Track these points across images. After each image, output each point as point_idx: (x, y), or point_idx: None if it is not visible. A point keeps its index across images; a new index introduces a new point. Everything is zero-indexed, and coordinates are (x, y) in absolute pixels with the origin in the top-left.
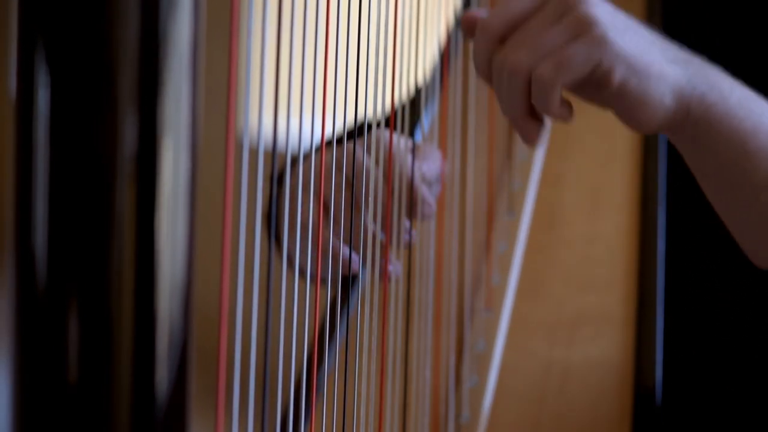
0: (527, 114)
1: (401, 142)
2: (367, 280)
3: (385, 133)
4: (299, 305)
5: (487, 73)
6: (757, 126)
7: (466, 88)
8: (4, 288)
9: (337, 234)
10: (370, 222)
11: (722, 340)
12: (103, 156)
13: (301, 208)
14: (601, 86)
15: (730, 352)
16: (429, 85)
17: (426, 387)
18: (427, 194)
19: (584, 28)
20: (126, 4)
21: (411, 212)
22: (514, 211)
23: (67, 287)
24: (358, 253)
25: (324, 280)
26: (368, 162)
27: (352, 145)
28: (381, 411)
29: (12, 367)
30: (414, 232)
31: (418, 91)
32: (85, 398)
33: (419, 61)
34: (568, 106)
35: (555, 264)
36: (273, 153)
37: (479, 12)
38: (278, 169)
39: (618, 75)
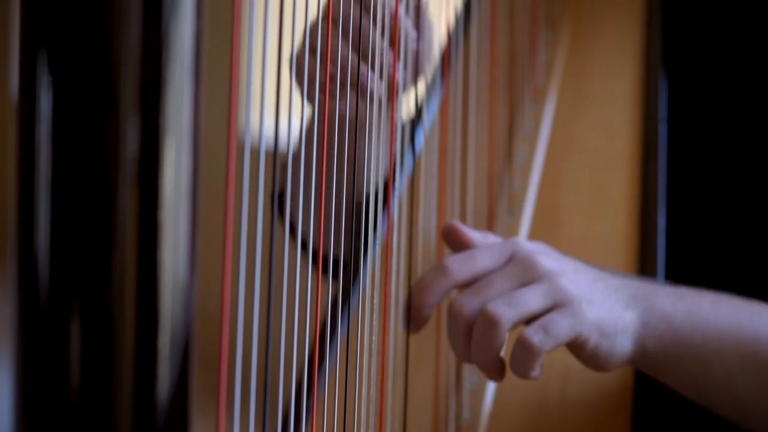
0: (499, 360)
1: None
2: (367, 280)
3: None
4: (300, 305)
5: (427, 308)
6: (706, 334)
7: (466, 88)
8: (7, 289)
9: (345, 48)
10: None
11: None
12: (106, 157)
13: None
14: (576, 350)
15: None
16: (429, 85)
17: (426, 387)
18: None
19: (561, 300)
20: (128, 5)
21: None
22: (514, 211)
23: (70, 288)
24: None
25: (326, 256)
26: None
27: None
28: (381, 411)
29: (14, 368)
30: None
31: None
32: (87, 398)
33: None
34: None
35: None
36: (274, 153)
37: (461, 229)
38: (281, 162)
39: (592, 343)
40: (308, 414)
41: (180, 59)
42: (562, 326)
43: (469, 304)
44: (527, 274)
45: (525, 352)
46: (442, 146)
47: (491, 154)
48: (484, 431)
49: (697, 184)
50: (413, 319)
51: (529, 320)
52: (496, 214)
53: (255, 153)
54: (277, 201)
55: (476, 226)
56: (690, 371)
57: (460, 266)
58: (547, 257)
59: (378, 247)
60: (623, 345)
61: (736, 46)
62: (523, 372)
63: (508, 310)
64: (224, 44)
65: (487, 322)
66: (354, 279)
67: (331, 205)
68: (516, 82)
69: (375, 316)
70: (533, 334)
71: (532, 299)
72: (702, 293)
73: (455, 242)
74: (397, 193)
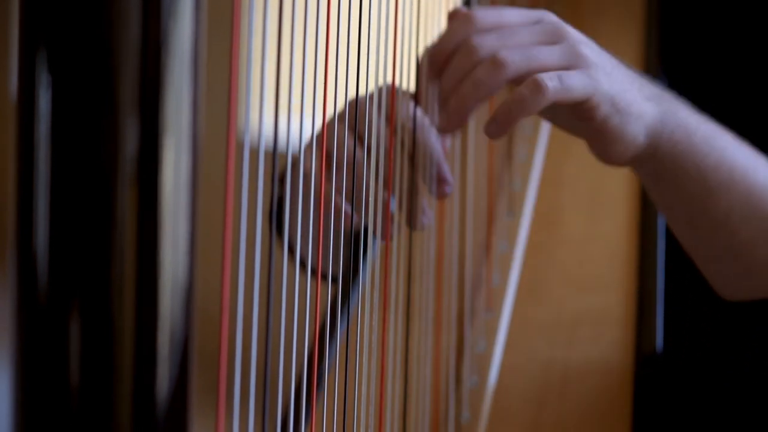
0: (471, 106)
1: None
2: (367, 280)
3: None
4: (300, 304)
5: (446, 55)
6: (719, 162)
7: None
8: (6, 289)
9: (339, 186)
10: (373, 182)
11: (722, 339)
12: (105, 157)
13: (303, 164)
14: (584, 119)
15: (730, 351)
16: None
17: (426, 387)
18: (447, 172)
19: (579, 62)
20: (127, 5)
21: (408, 220)
22: (514, 211)
23: (69, 288)
24: (360, 211)
25: (324, 273)
26: (375, 117)
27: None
28: (381, 411)
29: (14, 367)
30: (429, 214)
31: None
32: (86, 397)
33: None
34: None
35: (555, 264)
36: (274, 153)
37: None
38: (280, 168)
39: (603, 111)
40: (308, 413)
41: (179, 59)
42: (575, 81)
43: (486, 43)
44: (552, 35)
45: (532, 93)
46: (442, 145)
47: (491, 154)
48: (483, 431)
49: None
50: (431, 63)
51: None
52: (496, 214)
53: (254, 152)
54: (275, 218)
55: (476, 226)
56: (692, 194)
57: (485, 15)
58: (573, 29)
59: (378, 247)
60: (635, 130)
61: (736, 45)
62: (508, 117)
63: (519, 58)
64: (224, 44)
65: (494, 62)
66: (353, 279)
67: (329, 226)
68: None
69: (375, 315)
70: (547, 78)
71: (549, 56)
72: (726, 131)
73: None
74: (396, 193)
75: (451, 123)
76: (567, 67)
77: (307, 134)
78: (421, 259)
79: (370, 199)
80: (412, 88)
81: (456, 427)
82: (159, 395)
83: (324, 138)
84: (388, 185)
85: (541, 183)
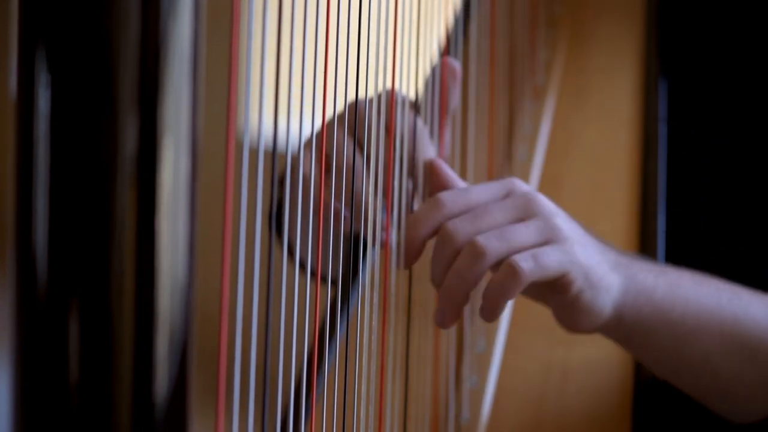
0: (466, 293)
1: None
2: (367, 280)
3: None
4: (300, 305)
5: (422, 242)
6: (685, 311)
7: (466, 88)
8: (5, 288)
9: (338, 190)
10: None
11: None
12: (104, 156)
13: (302, 168)
14: (558, 292)
15: None
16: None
17: (426, 387)
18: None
19: (555, 236)
20: (127, 4)
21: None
22: None
23: (68, 287)
24: (360, 215)
25: (324, 275)
26: (374, 121)
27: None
28: (381, 411)
29: (13, 367)
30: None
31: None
32: (86, 398)
33: (420, 61)
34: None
35: None
36: (273, 153)
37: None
38: (280, 170)
39: (577, 287)
40: (307, 414)
41: (178, 58)
42: (552, 258)
43: (461, 229)
44: (524, 209)
45: (509, 278)
46: (442, 145)
47: (491, 154)
48: (483, 431)
49: (697, 183)
50: (406, 253)
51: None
52: None
53: (254, 152)
54: (275, 220)
55: None
56: (666, 347)
57: (454, 198)
58: (543, 198)
59: (378, 247)
60: (603, 303)
61: (736, 45)
62: (494, 304)
63: (497, 243)
64: (223, 44)
65: (473, 251)
66: (353, 280)
67: (329, 228)
68: (515, 81)
69: (374, 315)
70: (522, 260)
71: (525, 234)
72: (683, 272)
73: (435, 179)
74: (397, 193)
75: (449, 318)
76: (544, 243)
77: (306, 135)
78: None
79: (369, 203)
80: (411, 94)
81: (456, 427)
82: (158, 395)
83: (323, 140)
84: (387, 191)
85: (541, 183)
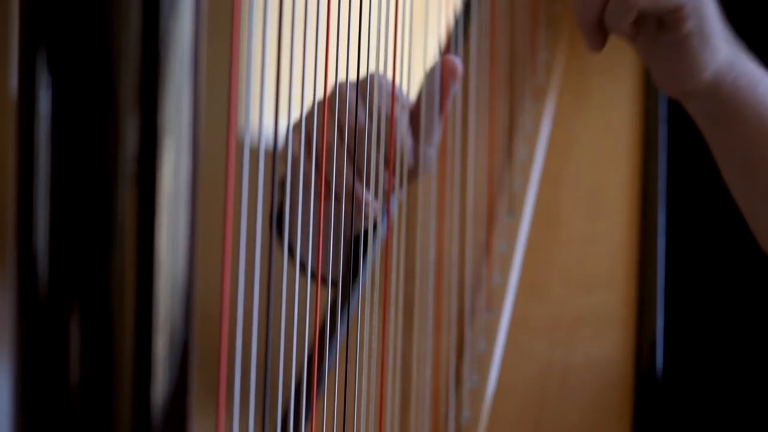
0: (598, 22)
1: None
2: (367, 280)
3: (386, 79)
4: (300, 305)
5: None
6: None
7: (467, 88)
8: (6, 288)
9: (337, 180)
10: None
11: (722, 339)
12: (105, 157)
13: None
14: (669, 28)
15: (730, 351)
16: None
17: (426, 387)
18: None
19: None
20: (127, 5)
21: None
22: (514, 211)
23: (69, 288)
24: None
25: (324, 275)
26: (363, 110)
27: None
28: (381, 411)
29: (13, 367)
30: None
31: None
32: (86, 398)
33: (420, 61)
34: (635, 26)
35: (555, 264)
36: (274, 154)
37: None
38: (280, 173)
39: (689, 27)
40: (308, 413)
41: (179, 59)
42: None
43: None
44: None
45: (624, 3)
46: (442, 145)
47: (491, 154)
48: (483, 431)
49: (697, 183)
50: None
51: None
52: (496, 214)
53: (254, 152)
54: (275, 222)
55: (476, 226)
56: (749, 139)
57: None
58: None
59: (378, 247)
60: (707, 61)
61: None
62: (618, 21)
63: None
64: (224, 44)
65: None
66: (354, 280)
67: (329, 229)
68: (516, 81)
69: (375, 315)
70: None
71: None
72: None
73: None
74: (396, 193)
75: (590, 42)
76: None
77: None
78: (421, 259)
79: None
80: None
81: (456, 427)
82: (159, 395)
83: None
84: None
85: (542, 182)
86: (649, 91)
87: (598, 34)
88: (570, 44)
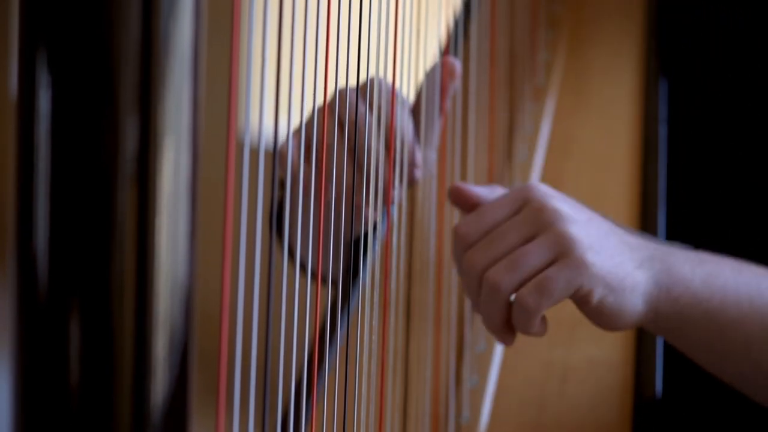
0: (506, 324)
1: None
2: (367, 280)
3: (386, 82)
4: (300, 305)
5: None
6: (724, 300)
7: (466, 88)
8: (6, 289)
9: (336, 184)
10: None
11: None
12: (105, 157)
13: (303, 176)
14: (580, 304)
15: None
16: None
17: (426, 387)
18: (418, 156)
19: (564, 251)
20: (127, 5)
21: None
22: None
23: (69, 287)
24: (358, 206)
25: (324, 275)
26: (366, 114)
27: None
28: (381, 411)
29: (14, 367)
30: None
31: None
32: (86, 397)
33: (420, 61)
34: (544, 322)
35: None
36: (274, 154)
37: (465, 188)
38: (280, 172)
39: (597, 295)
40: (308, 413)
41: (179, 58)
42: (558, 282)
43: (477, 262)
44: (536, 223)
45: (522, 313)
46: (442, 145)
47: (491, 154)
48: (483, 430)
49: (697, 183)
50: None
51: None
52: None
53: (254, 152)
54: (275, 221)
55: None
56: (706, 337)
57: (468, 228)
58: (560, 201)
59: (378, 247)
60: (633, 303)
61: (736, 45)
62: (525, 330)
63: (507, 276)
64: (224, 44)
65: (488, 288)
66: (354, 280)
67: (329, 230)
68: (516, 81)
69: (375, 315)
70: (527, 296)
71: (534, 257)
72: (723, 260)
73: (462, 203)
74: (396, 193)
75: (501, 339)
76: (554, 260)
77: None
78: (421, 260)
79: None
80: (404, 89)
81: (456, 427)
82: (158, 395)
83: (315, 127)
84: (389, 150)
85: (542, 182)
86: (649, 91)
87: (508, 332)
88: (570, 45)
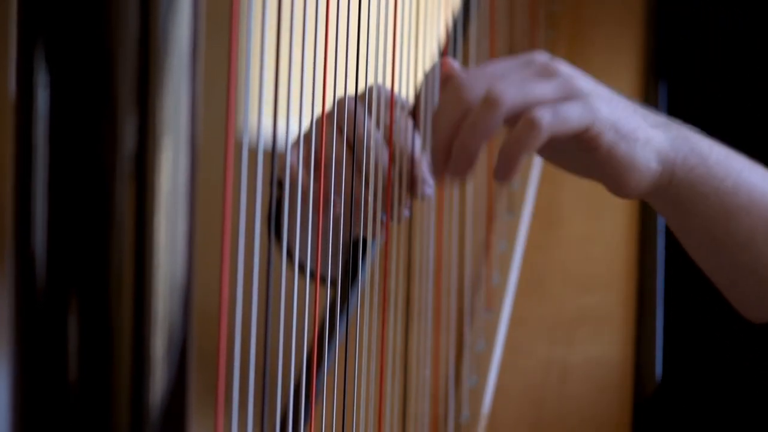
0: (476, 152)
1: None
2: (367, 280)
3: (385, 89)
4: (299, 304)
5: (448, 136)
6: (738, 184)
7: None
8: (4, 287)
9: (328, 186)
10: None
11: (722, 339)
12: (103, 156)
13: (302, 178)
14: (589, 150)
15: (730, 351)
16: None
17: (426, 386)
18: (426, 172)
19: (574, 92)
20: (125, 4)
21: (410, 189)
22: (514, 210)
23: (67, 286)
24: (357, 214)
25: (323, 276)
26: (367, 122)
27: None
28: (381, 410)
29: (12, 366)
30: (430, 182)
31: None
32: (84, 397)
33: (419, 61)
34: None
35: (555, 263)
36: (272, 153)
37: (455, 64)
38: (278, 172)
39: (607, 138)
40: (307, 413)
41: (177, 58)
42: (573, 112)
43: (474, 84)
44: (545, 71)
45: (528, 131)
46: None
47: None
48: (483, 430)
49: None
50: (451, 162)
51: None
52: (495, 213)
53: (253, 152)
54: (273, 222)
55: (476, 226)
56: (712, 217)
57: (470, 74)
58: (566, 66)
59: (377, 247)
60: (646, 156)
61: (736, 45)
62: (510, 161)
63: (513, 92)
64: (222, 43)
65: (488, 100)
66: (353, 281)
67: (328, 232)
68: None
69: (374, 314)
70: (540, 112)
71: (544, 89)
72: (736, 153)
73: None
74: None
75: (459, 170)
76: (563, 99)
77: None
78: (420, 259)
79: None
80: (403, 90)
81: (455, 427)
82: (157, 394)
83: (315, 138)
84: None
85: (541, 182)
86: (648, 91)
87: (473, 163)
88: (569, 44)
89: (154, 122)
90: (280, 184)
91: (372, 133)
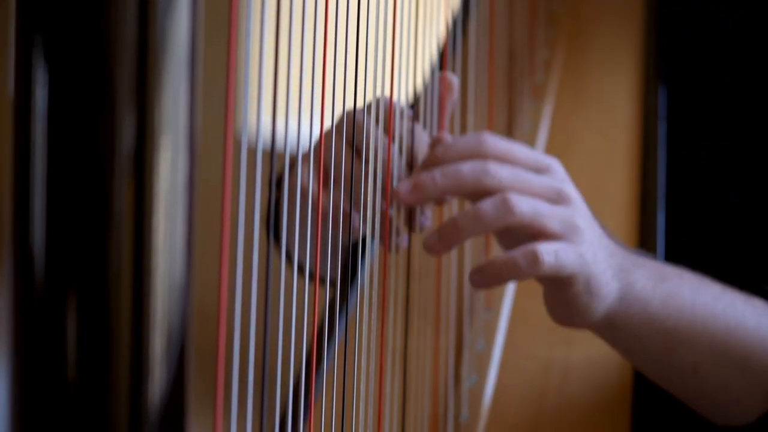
0: (466, 239)
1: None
2: (366, 280)
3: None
4: (298, 304)
5: (459, 156)
6: (678, 322)
7: (465, 86)
8: (3, 286)
9: (338, 198)
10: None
11: None
12: (101, 154)
13: (301, 177)
14: (557, 287)
15: None
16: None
17: (425, 386)
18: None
19: (574, 232)
20: (124, 3)
21: (408, 221)
22: None
23: (66, 285)
24: (360, 220)
25: (322, 278)
26: (373, 129)
27: (354, 111)
28: (380, 410)
29: (11, 365)
30: (428, 213)
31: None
32: (83, 396)
33: (419, 61)
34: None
35: None
36: (271, 153)
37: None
38: (277, 171)
39: (578, 288)
40: (306, 413)
41: (176, 57)
42: (570, 259)
43: (499, 173)
44: (558, 194)
45: (529, 264)
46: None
47: None
48: (483, 430)
49: (696, 182)
50: (435, 157)
51: (532, 236)
52: None
53: (252, 152)
54: (272, 224)
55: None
56: (655, 353)
57: (495, 142)
58: (574, 191)
59: (376, 246)
60: (596, 309)
61: (735, 44)
62: (498, 278)
63: (527, 209)
64: (221, 42)
65: (503, 204)
66: (352, 281)
67: (327, 230)
68: (515, 79)
69: (374, 314)
70: (546, 253)
71: (551, 219)
72: (684, 276)
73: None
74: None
75: (442, 246)
76: (562, 236)
77: (304, 135)
78: (420, 259)
79: (368, 207)
80: (405, 98)
81: (455, 427)
82: (156, 394)
83: (321, 148)
84: (386, 195)
85: None
86: (648, 90)
87: (455, 245)
88: (569, 43)
89: (152, 121)
90: (278, 185)
91: (380, 142)
